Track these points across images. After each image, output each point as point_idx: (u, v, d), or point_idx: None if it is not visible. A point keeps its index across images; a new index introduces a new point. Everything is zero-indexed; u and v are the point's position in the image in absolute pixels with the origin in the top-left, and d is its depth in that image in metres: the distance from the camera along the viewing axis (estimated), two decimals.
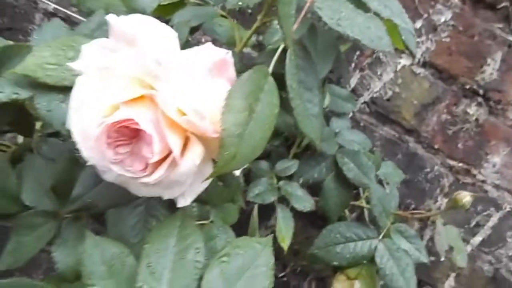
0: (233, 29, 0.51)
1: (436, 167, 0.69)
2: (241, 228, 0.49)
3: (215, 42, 0.68)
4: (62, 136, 0.45)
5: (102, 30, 0.38)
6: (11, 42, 0.39)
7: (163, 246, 0.30)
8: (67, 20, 0.67)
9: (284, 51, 0.36)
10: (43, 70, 0.34)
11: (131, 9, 0.36)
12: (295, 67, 0.35)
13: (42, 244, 0.37)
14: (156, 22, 0.28)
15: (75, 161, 0.39)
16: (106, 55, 0.28)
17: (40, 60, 0.34)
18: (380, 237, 0.54)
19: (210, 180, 0.32)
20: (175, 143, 0.27)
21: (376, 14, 0.38)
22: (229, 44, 0.54)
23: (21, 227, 0.37)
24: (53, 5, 0.63)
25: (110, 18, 0.28)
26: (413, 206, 0.71)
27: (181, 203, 0.31)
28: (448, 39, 0.63)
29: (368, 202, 0.64)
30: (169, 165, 0.27)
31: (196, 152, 0.27)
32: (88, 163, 0.31)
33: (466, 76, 0.64)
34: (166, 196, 0.30)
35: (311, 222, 0.71)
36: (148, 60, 0.26)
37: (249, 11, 0.64)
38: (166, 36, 0.27)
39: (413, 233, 0.55)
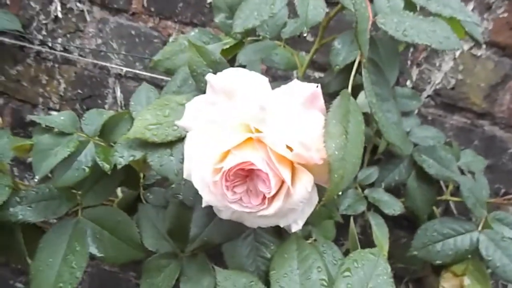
0: (291, 55, 0.54)
1: None
2: (335, 243, 0.50)
3: (270, 68, 0.72)
4: (164, 184, 0.50)
5: (187, 85, 0.43)
6: (111, 112, 0.45)
7: (289, 269, 0.32)
8: (136, 78, 0.74)
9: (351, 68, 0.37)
10: (149, 131, 0.39)
11: (210, 62, 0.40)
12: (370, 83, 0.37)
13: (171, 283, 0.41)
14: (248, 72, 0.31)
15: (182, 205, 0.44)
16: (208, 109, 0.32)
17: (144, 123, 0.39)
18: (480, 228, 0.52)
19: (316, 203, 0.34)
20: (287, 175, 0.30)
21: (438, 15, 0.39)
22: (287, 69, 0.57)
23: (150, 271, 0.42)
24: (125, 69, 0.70)
25: (210, 77, 0.31)
26: (503, 191, 0.68)
27: (294, 228, 0.34)
28: (505, 14, 0.61)
29: (453, 195, 0.63)
30: (284, 195, 0.30)
31: (306, 180, 0.30)
32: (204, 205, 0.35)
33: None
34: (282, 224, 0.33)
35: (397, 224, 0.71)
36: (253, 107, 0.29)
37: (298, 35, 0.67)
38: (259, 82, 0.31)
39: None
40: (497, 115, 0.66)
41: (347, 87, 0.35)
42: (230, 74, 0.31)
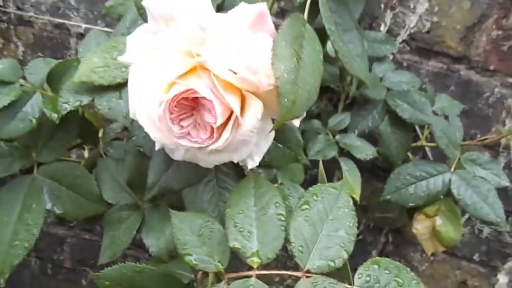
0: None
1: (496, 89, 0.65)
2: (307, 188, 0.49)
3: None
4: (123, 137, 0.48)
5: (136, 26, 0.40)
6: (59, 61, 0.42)
7: (245, 206, 0.31)
8: None
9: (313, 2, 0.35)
10: (96, 74, 0.36)
11: None
12: (328, 10, 0.35)
13: (132, 234, 0.39)
14: None
15: (141, 155, 0.42)
16: (150, 39, 0.30)
17: (91, 66, 0.37)
18: (452, 169, 0.51)
19: (273, 136, 0.33)
20: (234, 102, 0.27)
21: None
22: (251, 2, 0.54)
23: (111, 223, 0.41)
24: (84, 25, 0.66)
25: (147, 2, 0.29)
26: (479, 136, 0.67)
27: (251, 164, 0.32)
28: None
29: (430, 141, 0.62)
30: (232, 125, 0.28)
31: (255, 107, 0.28)
32: (157, 148, 0.34)
33: None
34: (235, 159, 0.31)
35: (374, 176, 0.70)
36: (191, 28, 0.26)
37: None
38: (200, 4, 0.28)
39: (487, 159, 0.52)
40: (473, 59, 0.64)
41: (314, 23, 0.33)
42: None
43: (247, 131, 0.29)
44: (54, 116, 0.37)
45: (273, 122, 0.30)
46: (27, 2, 0.68)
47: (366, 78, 0.38)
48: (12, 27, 0.70)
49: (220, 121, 0.28)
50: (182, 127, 0.29)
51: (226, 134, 0.28)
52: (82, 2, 0.68)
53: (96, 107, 0.36)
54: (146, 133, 0.43)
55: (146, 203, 0.42)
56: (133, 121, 0.34)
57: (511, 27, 0.61)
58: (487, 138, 0.58)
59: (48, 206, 0.41)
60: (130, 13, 0.40)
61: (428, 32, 0.63)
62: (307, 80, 0.29)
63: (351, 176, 0.50)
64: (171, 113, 0.28)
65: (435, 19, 0.63)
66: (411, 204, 0.51)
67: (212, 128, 0.29)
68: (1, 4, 0.68)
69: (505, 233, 0.71)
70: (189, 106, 0.29)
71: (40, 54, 0.72)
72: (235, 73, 0.27)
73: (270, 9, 0.49)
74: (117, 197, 0.42)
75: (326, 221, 0.30)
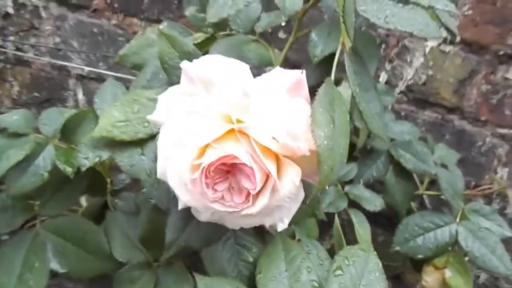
0: (266, 50, 0.52)
1: (487, 139, 0.68)
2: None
3: None
4: (134, 189, 0.46)
5: (157, 79, 0.40)
6: (73, 111, 0.41)
7: (276, 272, 0.30)
8: (99, 79, 0.69)
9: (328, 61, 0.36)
10: (117, 128, 0.35)
11: (183, 53, 0.37)
12: (353, 72, 0.36)
13: None
14: (227, 59, 0.29)
15: (156, 210, 0.40)
16: (184, 101, 0.29)
17: (111, 120, 0.36)
18: (457, 220, 0.52)
19: (302, 198, 0.32)
20: (273, 169, 0.27)
21: (416, 4, 0.38)
22: (261, 65, 0.55)
23: (122, 284, 0.38)
24: (87, 68, 0.65)
25: (185, 65, 0.29)
26: (473, 183, 0.69)
27: (280, 227, 0.32)
28: (470, 12, 0.63)
29: (427, 190, 0.64)
30: (270, 191, 0.28)
31: (293, 173, 0.28)
32: (180, 207, 0.32)
33: (498, 43, 0.63)
34: (267, 223, 0.31)
35: (373, 222, 0.70)
36: (235, 95, 0.26)
37: (270, 30, 0.66)
38: (240, 69, 0.28)
39: (489, 209, 0.54)
40: (465, 110, 0.67)
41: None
42: (208, 61, 0.29)
43: (284, 197, 0.28)
44: (69, 170, 0.36)
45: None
46: (26, 42, 0.67)
47: (384, 136, 0.39)
48: (9, 66, 0.68)
49: (259, 187, 0.27)
50: (216, 191, 0.29)
51: (263, 199, 0.28)
52: (84, 44, 0.68)
53: (117, 163, 0.35)
54: (158, 183, 0.41)
55: (159, 262, 0.40)
56: (156, 181, 0.33)
57: (499, 82, 0.65)
58: (489, 188, 0.60)
59: (53, 265, 0.38)
60: (150, 66, 0.40)
61: (424, 84, 0.67)
62: (340, 143, 0.30)
63: (362, 228, 0.49)
64: (207, 177, 0.28)
65: (430, 72, 0.66)
66: (420, 256, 0.51)
67: (249, 193, 0.28)
68: (1, 44, 0.66)
69: (501, 279, 0.72)
70: (225, 170, 0.29)
71: (36, 94, 0.70)
72: (275, 139, 0.27)
73: (282, 61, 0.51)
74: (129, 255, 0.39)
75: (360, 286, 0.30)
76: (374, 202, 0.52)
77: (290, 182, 0.28)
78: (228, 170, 0.29)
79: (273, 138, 0.27)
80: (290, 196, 0.28)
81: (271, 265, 0.30)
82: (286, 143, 0.27)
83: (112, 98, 0.41)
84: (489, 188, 0.60)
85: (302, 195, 0.30)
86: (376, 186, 0.60)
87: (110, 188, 0.46)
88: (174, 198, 0.39)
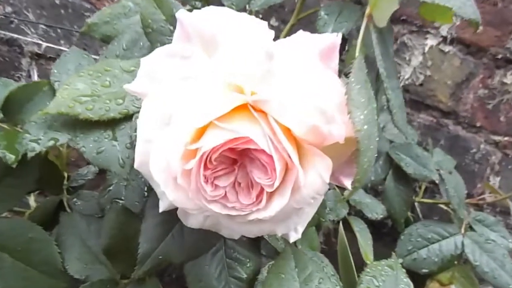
0: None
1: (481, 146, 0.65)
2: None
3: None
4: (98, 187, 0.38)
5: (137, 48, 0.32)
6: (21, 83, 0.32)
7: None
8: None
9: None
10: (81, 104, 0.27)
11: (171, 17, 0.29)
12: (380, 54, 0.30)
13: None
14: (237, 13, 0.22)
15: (126, 213, 0.32)
16: (176, 65, 0.22)
17: (74, 93, 0.27)
18: (462, 231, 0.48)
19: (320, 201, 0.26)
20: (297, 159, 0.20)
21: None
22: None
23: None
24: (44, 44, 0.55)
25: (181, 15, 0.21)
26: (465, 192, 0.66)
27: (293, 237, 0.25)
28: None
29: (423, 197, 0.60)
30: (291, 188, 0.21)
31: (321, 165, 0.21)
32: (162, 209, 0.25)
33: (497, 46, 0.61)
34: (280, 231, 0.24)
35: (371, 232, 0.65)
36: (253, 57, 0.19)
37: (260, 16, 0.59)
38: (256, 25, 0.21)
39: (493, 219, 0.50)
40: (460, 114, 0.64)
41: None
42: (212, 12, 0.21)
43: (307, 197, 0.21)
44: (11, 157, 0.27)
45: None
46: None
47: (406, 131, 0.34)
48: None
49: (278, 182, 0.20)
50: (217, 187, 0.21)
51: (281, 200, 0.21)
52: (43, 17, 0.58)
53: (77, 148, 0.26)
54: (129, 183, 0.34)
55: (129, 279, 0.31)
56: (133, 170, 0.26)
57: (496, 87, 0.63)
58: (489, 197, 0.56)
59: None
60: (129, 32, 0.32)
61: (421, 84, 0.63)
62: (375, 132, 0.23)
63: (363, 238, 0.44)
64: (206, 168, 0.20)
65: (428, 72, 0.62)
66: (424, 270, 0.46)
67: (261, 191, 0.21)
68: None
69: None
70: (231, 159, 0.21)
71: None
72: (301, 120, 0.20)
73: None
74: (88, 270, 0.31)
75: None
76: (376, 209, 0.47)
77: (317, 177, 0.21)
78: (235, 159, 0.21)
79: (297, 118, 0.20)
80: (315, 197, 0.21)
81: (282, 286, 0.23)
82: (318, 126, 0.20)
83: (75, 70, 0.32)
84: (498, 198, 0.56)
85: (322, 196, 0.24)
86: (370, 192, 0.55)
87: (67, 184, 0.37)
88: (150, 198, 0.32)
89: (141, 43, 0.32)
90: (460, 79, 0.63)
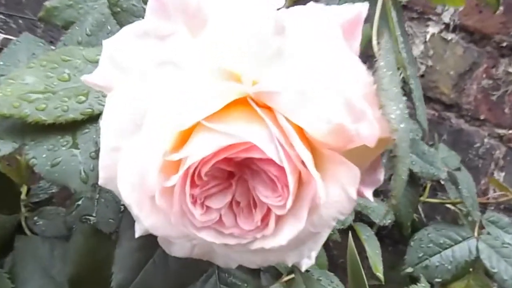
0: None
1: (485, 140, 0.61)
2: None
3: None
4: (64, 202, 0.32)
5: (103, 32, 0.26)
6: None
7: None
8: None
9: None
10: (30, 103, 0.21)
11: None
12: (401, 35, 0.25)
13: None
14: None
15: (97, 234, 0.27)
16: (153, 47, 0.16)
17: (21, 89, 0.22)
18: (476, 234, 0.44)
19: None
20: (314, 169, 0.15)
21: None
22: None
23: None
24: (3, 36, 0.49)
25: None
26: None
27: (306, 264, 0.20)
28: None
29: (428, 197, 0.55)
30: (308, 208, 0.16)
31: (346, 177, 0.16)
32: (138, 234, 0.19)
33: (501, 33, 0.57)
34: (291, 260, 0.18)
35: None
36: (257, 32, 0.14)
37: None
38: None
39: (507, 221, 0.46)
40: (463, 107, 0.61)
41: None
42: None
43: (328, 219, 0.16)
44: None
45: None
46: None
47: (426, 125, 0.30)
48: None
49: (291, 202, 0.15)
50: (208, 209, 0.16)
51: (295, 223, 0.16)
52: (2, 6, 0.51)
53: (26, 159, 0.21)
54: (101, 196, 0.28)
55: None
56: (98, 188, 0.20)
57: (500, 77, 0.59)
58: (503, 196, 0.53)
59: None
60: (93, 14, 0.27)
61: (422, 76, 0.59)
62: (409, 133, 0.19)
63: (371, 247, 0.39)
64: (194, 185, 0.15)
65: (430, 63, 0.58)
66: (437, 280, 0.41)
67: (268, 212, 0.16)
68: None
69: None
70: (227, 173, 0.16)
71: None
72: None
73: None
74: None
75: None
76: (383, 214, 0.42)
77: (341, 192, 0.16)
78: (232, 172, 0.16)
79: (322, 114, 0.15)
80: (337, 217, 0.16)
81: None
82: (343, 125, 0.15)
83: (27, 61, 0.26)
84: (506, 196, 0.53)
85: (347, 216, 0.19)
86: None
87: (26, 200, 0.31)
88: (125, 215, 0.26)
89: (109, 27, 0.26)
90: (463, 69, 0.59)
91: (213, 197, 0.16)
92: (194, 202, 0.15)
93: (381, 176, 0.20)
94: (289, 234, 0.16)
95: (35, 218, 0.29)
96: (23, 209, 0.30)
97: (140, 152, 0.16)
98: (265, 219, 0.16)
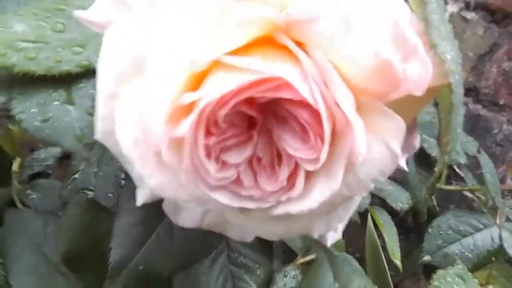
0: None
1: (504, 126, 0.58)
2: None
3: None
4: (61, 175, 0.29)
5: None
6: None
7: None
8: None
9: None
10: (19, 52, 0.19)
11: None
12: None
13: None
14: None
15: (94, 208, 0.24)
16: None
17: (9, 38, 0.19)
18: (498, 221, 0.41)
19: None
20: (355, 115, 0.13)
21: None
22: None
23: None
24: None
25: None
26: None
27: (332, 238, 0.17)
28: None
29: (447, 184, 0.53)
30: (344, 164, 0.13)
31: (390, 129, 0.13)
32: (140, 202, 0.17)
33: None
34: (317, 230, 0.16)
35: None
36: None
37: None
38: None
39: None
40: (481, 91, 0.58)
41: None
42: None
43: (366, 179, 0.14)
44: None
45: None
46: None
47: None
48: None
49: (324, 155, 0.12)
50: (225, 165, 0.13)
51: (329, 183, 0.13)
52: None
53: (15, 118, 0.18)
54: (100, 169, 0.26)
55: None
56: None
57: None
58: None
59: None
60: None
61: None
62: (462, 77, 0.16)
63: (387, 232, 0.36)
64: (209, 134, 0.13)
65: None
66: None
67: (296, 170, 0.13)
68: None
69: None
70: (248, 120, 0.13)
71: None
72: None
73: None
74: (42, 285, 0.23)
75: None
76: (400, 198, 0.40)
77: (383, 148, 0.13)
78: (254, 121, 0.13)
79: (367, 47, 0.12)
80: (377, 179, 0.14)
81: None
82: (391, 62, 0.12)
83: (18, 7, 0.24)
84: None
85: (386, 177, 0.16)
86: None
87: (18, 172, 0.28)
88: (126, 187, 0.24)
89: None
90: (483, 50, 0.56)
91: (231, 150, 0.13)
92: (208, 155, 0.13)
93: (417, 141, 0.18)
94: (321, 195, 0.13)
95: (28, 191, 0.27)
96: (15, 182, 0.27)
97: (144, 98, 0.13)
98: (291, 178, 0.13)
